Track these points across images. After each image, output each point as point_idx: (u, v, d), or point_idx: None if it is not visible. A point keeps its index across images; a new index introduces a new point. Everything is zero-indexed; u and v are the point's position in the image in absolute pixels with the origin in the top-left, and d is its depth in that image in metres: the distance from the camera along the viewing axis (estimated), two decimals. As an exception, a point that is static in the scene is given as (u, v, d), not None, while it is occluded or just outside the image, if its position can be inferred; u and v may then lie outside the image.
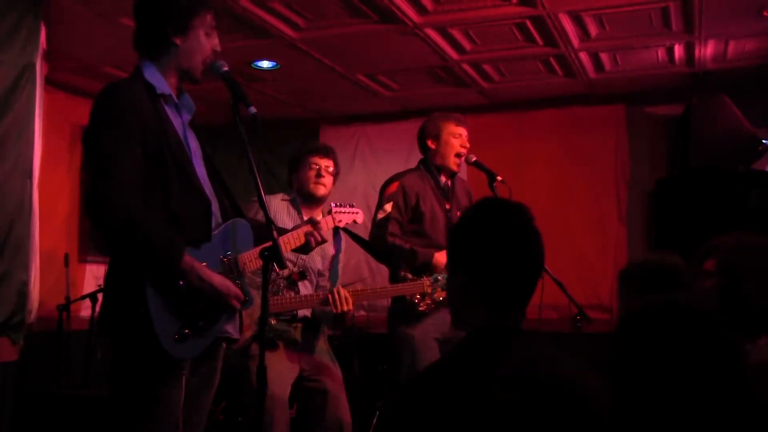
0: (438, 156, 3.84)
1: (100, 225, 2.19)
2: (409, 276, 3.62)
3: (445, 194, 3.87)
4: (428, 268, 3.63)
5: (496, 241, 1.63)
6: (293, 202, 3.61)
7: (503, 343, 1.58)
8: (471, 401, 1.48)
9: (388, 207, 3.72)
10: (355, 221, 3.26)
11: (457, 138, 3.82)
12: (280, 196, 3.63)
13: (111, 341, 2.27)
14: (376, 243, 3.75)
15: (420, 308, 3.63)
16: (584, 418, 1.47)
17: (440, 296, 3.63)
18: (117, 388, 2.28)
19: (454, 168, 3.85)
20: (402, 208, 3.73)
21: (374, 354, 5.44)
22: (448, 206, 3.85)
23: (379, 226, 3.71)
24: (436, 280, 3.56)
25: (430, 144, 3.86)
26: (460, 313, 1.71)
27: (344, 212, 3.21)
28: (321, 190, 3.57)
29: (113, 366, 2.28)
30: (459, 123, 3.87)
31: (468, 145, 3.85)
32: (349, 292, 3.39)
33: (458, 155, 3.82)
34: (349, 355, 5.47)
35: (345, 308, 3.34)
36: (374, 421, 4.99)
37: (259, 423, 2.34)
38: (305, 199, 3.59)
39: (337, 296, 3.34)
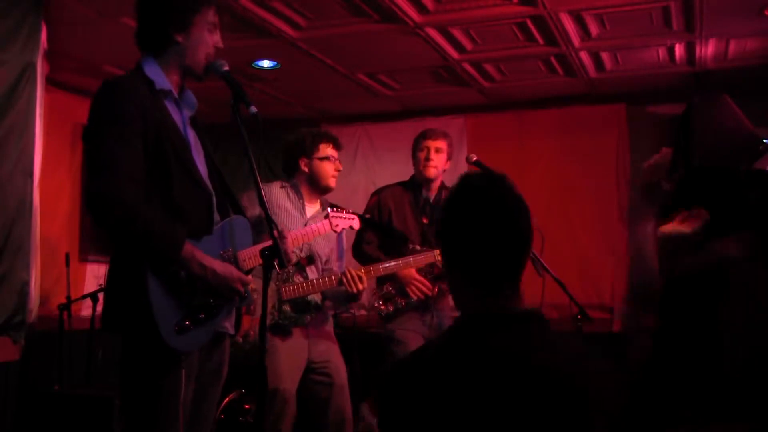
0: (415, 170, 4.06)
1: (99, 218, 2.20)
2: (418, 248, 3.77)
3: (424, 209, 3.99)
4: (393, 279, 3.83)
5: (471, 221, 1.58)
6: (294, 187, 3.60)
7: (492, 327, 1.52)
8: (454, 385, 1.45)
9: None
10: (351, 227, 3.39)
11: (422, 151, 4.01)
12: (278, 183, 3.61)
13: (115, 336, 2.30)
14: (355, 249, 3.97)
15: (379, 309, 3.89)
16: (573, 409, 1.43)
17: (402, 302, 3.84)
18: (123, 380, 2.32)
19: (426, 175, 3.99)
20: (377, 220, 3.93)
21: (375, 352, 5.43)
22: (425, 221, 3.97)
23: (357, 235, 3.92)
24: None
25: (412, 159, 4.08)
26: (456, 300, 1.67)
27: (341, 218, 3.31)
28: (334, 183, 3.62)
29: (120, 359, 2.31)
30: (425, 137, 4.04)
31: (432, 158, 3.98)
32: (360, 270, 3.45)
33: (424, 165, 3.97)
34: (350, 354, 5.47)
35: (360, 287, 3.41)
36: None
37: (261, 418, 2.35)
38: (316, 189, 3.60)
39: (349, 276, 3.40)
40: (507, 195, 1.59)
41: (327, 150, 3.57)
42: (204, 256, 2.26)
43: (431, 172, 3.98)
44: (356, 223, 3.39)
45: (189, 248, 2.22)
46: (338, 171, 3.61)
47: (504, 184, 1.61)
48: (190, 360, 2.30)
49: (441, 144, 4.00)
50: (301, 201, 3.58)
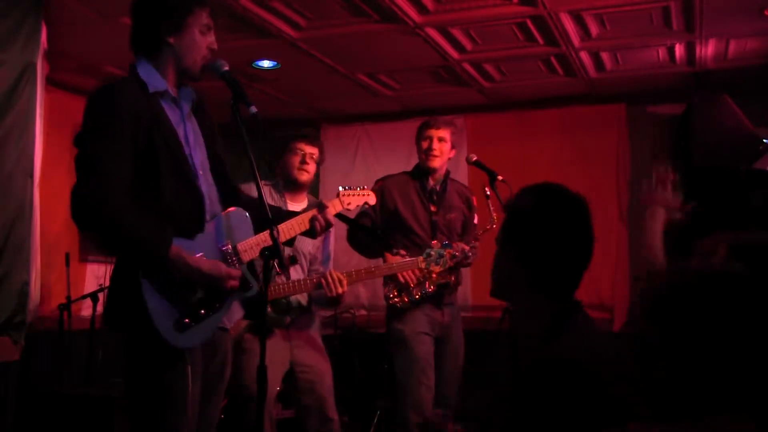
0: (419, 159, 4.01)
1: (84, 222, 2.22)
2: (402, 252, 3.75)
3: (431, 198, 3.96)
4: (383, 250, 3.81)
5: (558, 234, 1.70)
6: (275, 187, 3.64)
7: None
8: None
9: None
10: (366, 202, 3.23)
11: (425, 141, 3.97)
12: (262, 182, 3.62)
13: (116, 334, 2.31)
14: (350, 237, 3.93)
15: (393, 301, 3.80)
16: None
17: (417, 293, 3.77)
18: (128, 380, 2.33)
19: (430, 165, 3.95)
20: (378, 209, 3.88)
21: (374, 353, 5.44)
22: (434, 209, 3.94)
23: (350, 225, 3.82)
24: (428, 255, 3.63)
25: (416, 148, 4.04)
26: (505, 288, 1.76)
27: (353, 194, 3.13)
28: (304, 176, 3.61)
29: (124, 358, 2.32)
30: (429, 126, 3.99)
31: (435, 147, 3.93)
32: (342, 274, 3.41)
33: (427, 155, 3.93)
34: (350, 355, 5.47)
35: (339, 291, 3.36)
36: (375, 420, 4.99)
37: (260, 424, 2.34)
38: (288, 184, 3.63)
39: (330, 279, 3.36)
40: (586, 215, 1.78)
41: (294, 145, 3.61)
42: (190, 256, 2.26)
43: (435, 162, 3.94)
44: (372, 198, 3.24)
45: (175, 250, 2.22)
46: (305, 164, 3.59)
47: (584, 205, 1.79)
48: (194, 357, 2.30)
49: (444, 133, 3.96)
50: (282, 199, 3.60)
